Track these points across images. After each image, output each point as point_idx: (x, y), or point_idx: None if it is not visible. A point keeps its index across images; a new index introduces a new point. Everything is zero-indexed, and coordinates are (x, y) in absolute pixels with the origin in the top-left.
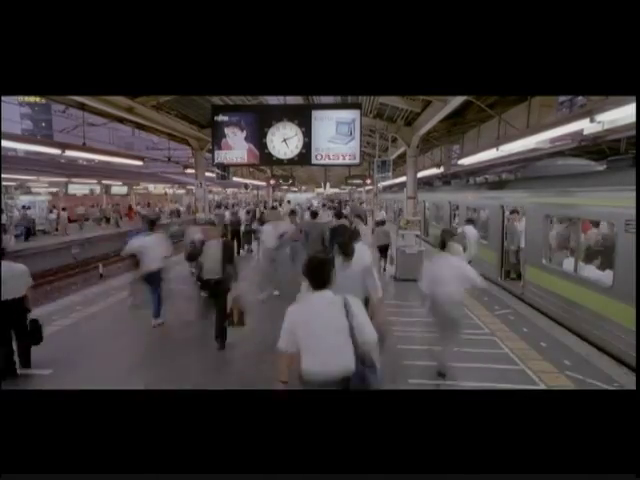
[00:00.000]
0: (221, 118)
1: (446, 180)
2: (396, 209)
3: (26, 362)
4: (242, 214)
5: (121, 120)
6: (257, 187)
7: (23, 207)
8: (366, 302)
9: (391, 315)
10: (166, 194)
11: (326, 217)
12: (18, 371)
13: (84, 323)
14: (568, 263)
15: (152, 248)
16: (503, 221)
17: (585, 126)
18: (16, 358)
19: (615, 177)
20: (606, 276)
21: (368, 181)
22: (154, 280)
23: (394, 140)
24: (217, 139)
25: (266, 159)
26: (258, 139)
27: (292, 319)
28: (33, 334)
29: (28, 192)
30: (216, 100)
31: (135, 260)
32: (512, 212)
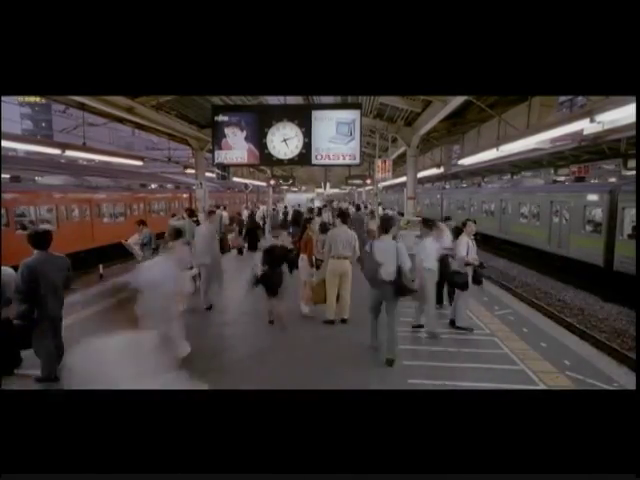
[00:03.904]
0: (221, 118)
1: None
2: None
3: (16, 362)
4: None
5: (121, 120)
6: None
7: None
8: None
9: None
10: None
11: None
12: (17, 371)
13: (84, 323)
14: None
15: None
16: None
17: (585, 126)
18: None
19: None
20: None
21: (368, 181)
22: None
23: (394, 140)
24: (217, 139)
25: (266, 159)
26: (258, 139)
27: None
28: (24, 337)
29: None
30: (216, 100)
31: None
32: None
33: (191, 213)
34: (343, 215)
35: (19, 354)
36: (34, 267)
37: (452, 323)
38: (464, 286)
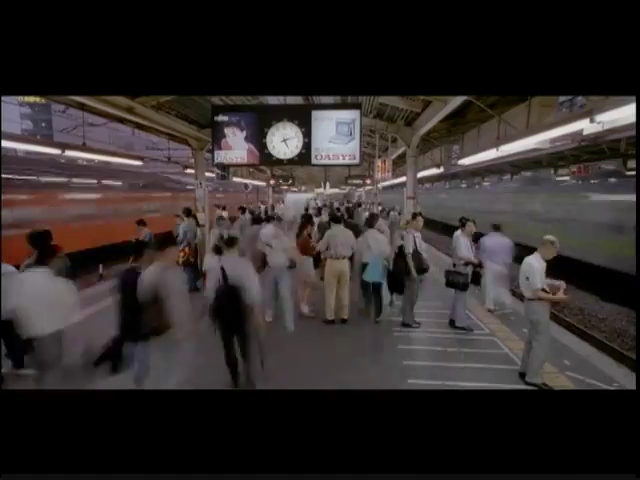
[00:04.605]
0: (221, 118)
1: None
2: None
3: (19, 362)
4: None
5: (121, 120)
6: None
7: None
8: None
9: (391, 315)
10: None
11: None
12: (17, 371)
13: (84, 323)
14: None
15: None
16: None
17: (585, 126)
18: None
19: None
20: None
21: (368, 181)
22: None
23: (394, 140)
24: (217, 139)
25: (266, 159)
26: (258, 139)
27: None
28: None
29: None
30: (216, 100)
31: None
32: None
33: (188, 213)
34: (336, 218)
35: (22, 356)
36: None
37: (452, 323)
38: (464, 287)
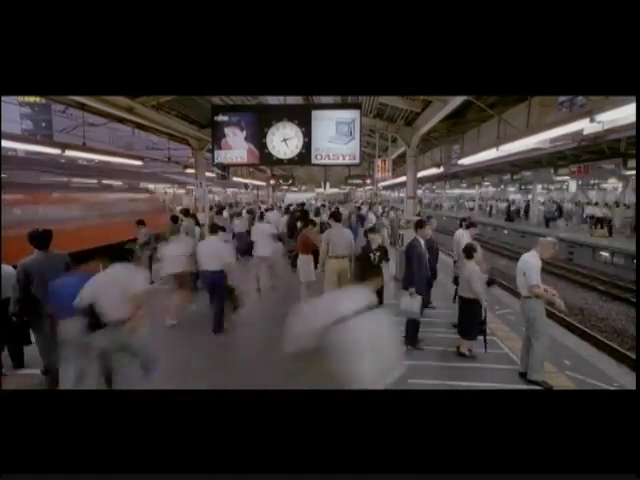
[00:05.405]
0: (221, 118)
1: None
2: None
3: (19, 362)
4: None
5: (121, 120)
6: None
7: None
8: None
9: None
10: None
11: None
12: (17, 372)
13: None
14: None
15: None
16: None
17: (585, 126)
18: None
19: None
20: None
21: (368, 181)
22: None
23: (394, 140)
24: (217, 139)
25: (266, 159)
26: (258, 139)
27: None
28: (23, 334)
29: None
30: (216, 100)
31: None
32: None
33: (186, 213)
34: (336, 215)
35: (22, 351)
36: (29, 267)
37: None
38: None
